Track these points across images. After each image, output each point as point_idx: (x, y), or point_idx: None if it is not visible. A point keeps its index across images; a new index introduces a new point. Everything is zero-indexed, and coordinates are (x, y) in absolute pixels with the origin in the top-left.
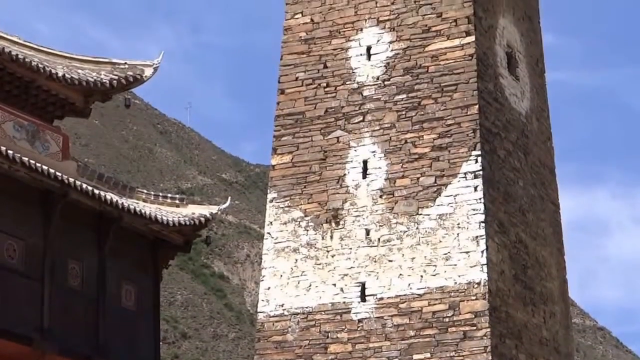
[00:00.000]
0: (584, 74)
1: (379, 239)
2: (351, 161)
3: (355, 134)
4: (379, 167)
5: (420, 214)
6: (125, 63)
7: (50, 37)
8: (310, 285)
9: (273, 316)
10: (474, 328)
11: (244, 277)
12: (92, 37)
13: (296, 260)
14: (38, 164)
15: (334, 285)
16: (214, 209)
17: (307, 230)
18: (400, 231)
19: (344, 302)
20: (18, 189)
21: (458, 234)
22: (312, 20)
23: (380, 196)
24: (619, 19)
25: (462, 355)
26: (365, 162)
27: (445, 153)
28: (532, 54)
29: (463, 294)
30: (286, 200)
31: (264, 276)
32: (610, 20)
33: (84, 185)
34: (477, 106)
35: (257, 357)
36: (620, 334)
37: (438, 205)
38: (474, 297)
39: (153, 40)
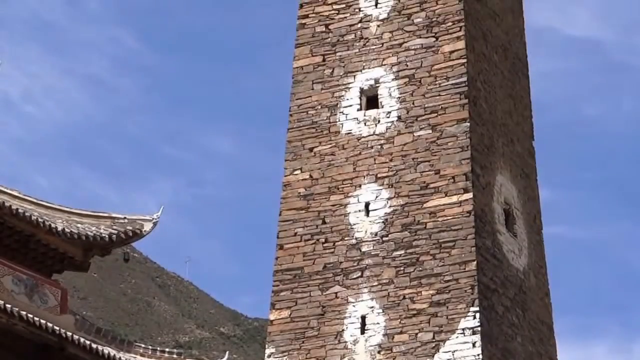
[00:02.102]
0: (580, 228)
1: None
2: (349, 317)
3: (354, 289)
4: (378, 323)
5: None
6: (125, 217)
7: (48, 190)
8: None
9: None
10: None
11: None
12: (91, 189)
13: None
14: (36, 318)
15: None
16: None
17: None
18: None
19: None
20: (16, 343)
21: None
22: (311, 176)
23: (379, 352)
24: (614, 174)
25: None
26: (363, 318)
27: (443, 309)
28: (529, 211)
29: None
30: (284, 356)
31: None
32: (606, 175)
33: (82, 340)
34: (475, 262)
35: None
36: None
37: None
38: None
39: (151, 193)
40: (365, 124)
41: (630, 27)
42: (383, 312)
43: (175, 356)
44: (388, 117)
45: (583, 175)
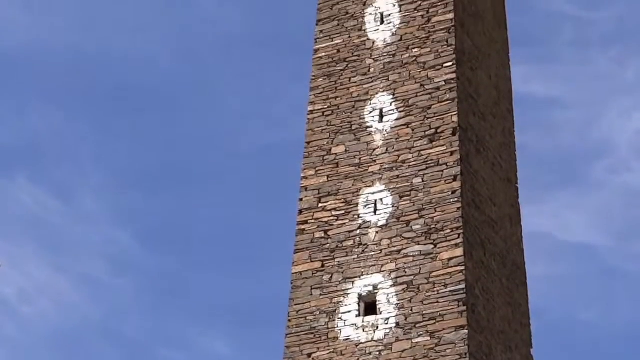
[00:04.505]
0: None
1: None
2: None
3: None
4: None
5: None
6: None
7: None
8: None
9: None
10: None
11: None
12: None
13: None
14: None
15: None
16: None
17: None
18: None
19: None
20: None
21: None
22: None
23: None
24: None
25: None
26: None
27: None
28: None
29: None
30: None
31: None
32: None
33: None
34: None
35: None
36: None
37: None
38: None
39: None
40: (363, 330)
41: (625, 233)
42: None
43: None
44: (386, 324)
45: None
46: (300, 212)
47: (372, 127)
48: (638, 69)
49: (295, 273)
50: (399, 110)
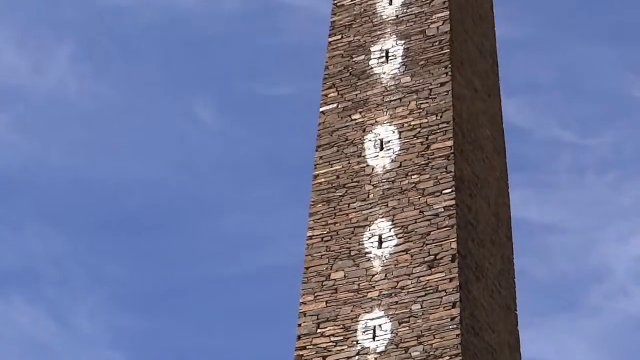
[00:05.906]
0: None
1: None
2: None
3: None
4: None
5: None
6: None
7: None
8: None
9: None
10: None
11: None
12: None
13: None
14: None
15: None
16: None
17: None
18: None
19: None
20: None
21: None
22: None
23: None
24: None
25: None
26: None
27: None
28: None
29: None
30: None
31: None
32: None
33: None
34: None
35: None
36: None
37: None
38: None
39: None
40: None
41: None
42: None
43: None
44: None
45: None
46: (299, 337)
47: (371, 253)
48: (634, 194)
49: None
50: (398, 236)
